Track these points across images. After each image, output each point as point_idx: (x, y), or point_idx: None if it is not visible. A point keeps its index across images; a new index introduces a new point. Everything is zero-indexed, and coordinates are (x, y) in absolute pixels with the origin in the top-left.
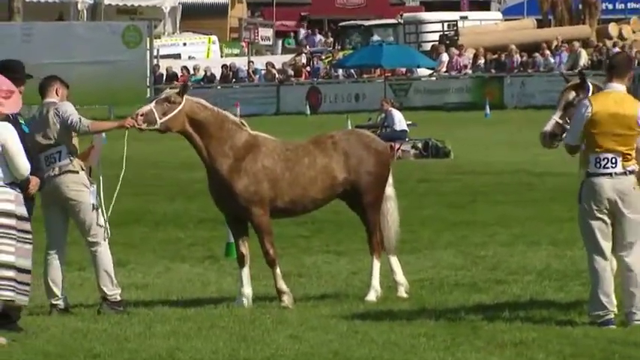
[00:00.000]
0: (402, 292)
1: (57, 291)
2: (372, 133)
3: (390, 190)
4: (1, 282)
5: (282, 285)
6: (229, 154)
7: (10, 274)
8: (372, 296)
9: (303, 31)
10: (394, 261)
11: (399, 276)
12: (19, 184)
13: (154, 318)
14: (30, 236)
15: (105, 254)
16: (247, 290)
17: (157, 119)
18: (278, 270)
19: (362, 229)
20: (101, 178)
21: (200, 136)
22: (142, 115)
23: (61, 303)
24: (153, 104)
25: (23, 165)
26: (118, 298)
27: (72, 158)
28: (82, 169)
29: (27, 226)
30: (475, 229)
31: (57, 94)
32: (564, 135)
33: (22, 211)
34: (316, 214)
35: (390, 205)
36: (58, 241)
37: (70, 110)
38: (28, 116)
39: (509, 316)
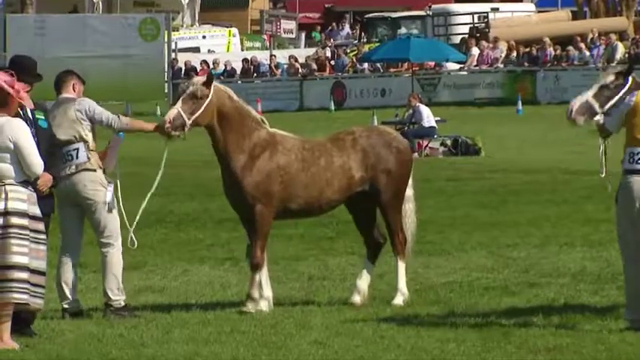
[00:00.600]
0: (400, 301)
1: (68, 293)
2: (397, 130)
3: (409, 191)
4: (15, 284)
5: (255, 292)
6: (245, 151)
7: (24, 276)
8: (398, 300)
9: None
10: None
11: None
12: (32, 182)
13: (172, 322)
14: (44, 237)
15: (116, 257)
16: (268, 293)
17: (187, 120)
18: (257, 277)
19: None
20: (119, 180)
21: (221, 129)
22: (169, 123)
23: (74, 306)
24: (179, 105)
25: (36, 163)
26: (122, 303)
27: (89, 156)
28: (100, 167)
29: (40, 226)
30: (507, 230)
31: (74, 90)
32: (597, 118)
33: (35, 210)
34: (341, 215)
35: (408, 207)
36: (73, 241)
37: (98, 107)
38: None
39: (542, 320)
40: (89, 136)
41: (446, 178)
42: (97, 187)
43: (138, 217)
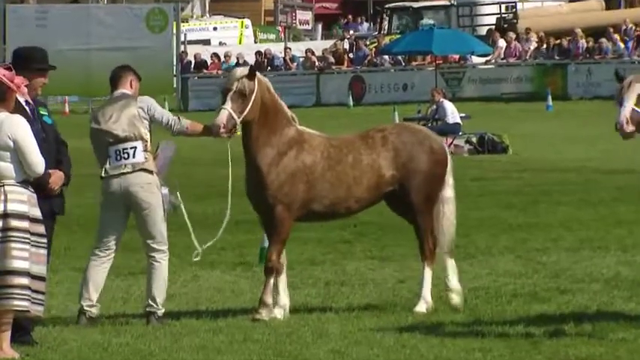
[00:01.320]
0: (456, 300)
1: (94, 296)
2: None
3: (450, 192)
4: (15, 291)
5: (268, 298)
6: (274, 147)
7: (25, 281)
8: (421, 307)
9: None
10: (450, 263)
11: (453, 282)
12: (32, 182)
13: (181, 330)
14: (44, 240)
15: (165, 265)
16: (284, 300)
17: (237, 120)
18: (272, 281)
19: (410, 232)
20: (178, 188)
21: (257, 123)
22: (224, 127)
23: (93, 310)
24: (228, 106)
25: (38, 162)
26: (163, 313)
27: (147, 156)
28: (155, 171)
29: (41, 229)
30: (536, 233)
31: (131, 87)
32: None
33: (36, 212)
34: (359, 216)
35: (448, 208)
36: (112, 244)
37: (159, 107)
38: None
39: (573, 328)
40: (147, 136)
41: (471, 178)
42: (154, 189)
43: (215, 240)
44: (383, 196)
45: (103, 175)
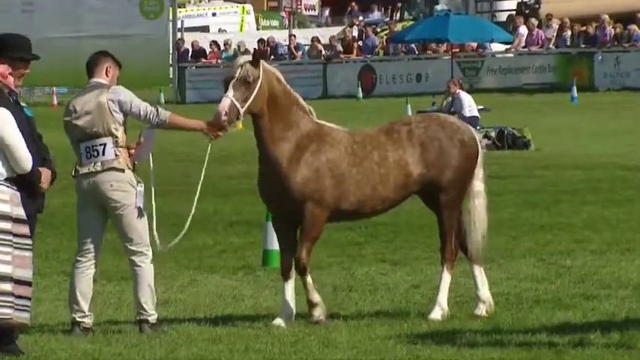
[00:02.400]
0: (482, 311)
1: (84, 306)
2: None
3: (479, 185)
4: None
5: (315, 296)
6: (292, 141)
7: (7, 287)
8: (436, 314)
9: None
10: (479, 272)
11: (483, 291)
12: (16, 180)
13: (177, 339)
14: (29, 242)
15: (149, 267)
16: (288, 307)
17: (240, 110)
18: (309, 278)
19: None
20: (152, 178)
21: (268, 115)
22: (225, 115)
23: (87, 321)
24: (231, 94)
25: (26, 157)
26: (156, 318)
27: (118, 153)
28: (129, 167)
29: (25, 229)
30: (559, 235)
31: (107, 74)
32: None
33: (20, 212)
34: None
35: (479, 202)
36: (92, 247)
37: (136, 99)
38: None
39: (600, 337)
40: (119, 131)
41: (490, 176)
42: (126, 187)
43: (187, 225)
44: (409, 195)
45: (73, 173)
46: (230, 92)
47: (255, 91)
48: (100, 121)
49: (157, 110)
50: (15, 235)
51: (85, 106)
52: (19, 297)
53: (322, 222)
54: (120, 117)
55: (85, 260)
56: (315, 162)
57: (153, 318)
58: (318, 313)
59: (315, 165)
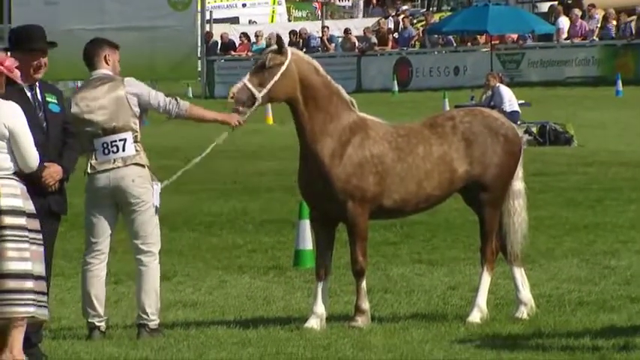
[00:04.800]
0: (523, 313)
1: (100, 309)
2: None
3: (519, 184)
4: (21, 296)
5: (366, 303)
6: (333, 135)
7: (30, 285)
8: (475, 317)
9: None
10: (519, 273)
11: (524, 293)
12: (22, 175)
13: (206, 342)
14: (41, 236)
15: (157, 268)
16: (321, 309)
17: (256, 92)
18: (364, 283)
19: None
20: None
21: (306, 107)
22: (231, 97)
23: (104, 325)
24: (247, 77)
25: (35, 155)
26: (158, 324)
27: (139, 148)
28: (148, 164)
29: (36, 224)
30: (604, 234)
31: (107, 63)
32: None
33: (30, 206)
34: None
35: (519, 203)
36: (104, 248)
37: (152, 89)
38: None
39: None
40: (137, 125)
41: (531, 173)
42: (146, 184)
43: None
44: (452, 193)
45: (89, 171)
46: (246, 77)
47: (277, 76)
48: (119, 115)
49: (177, 100)
50: (30, 230)
51: (98, 100)
52: (39, 293)
53: (365, 220)
54: (138, 111)
55: (97, 262)
56: (358, 157)
57: (154, 324)
58: (362, 321)
59: (358, 160)
